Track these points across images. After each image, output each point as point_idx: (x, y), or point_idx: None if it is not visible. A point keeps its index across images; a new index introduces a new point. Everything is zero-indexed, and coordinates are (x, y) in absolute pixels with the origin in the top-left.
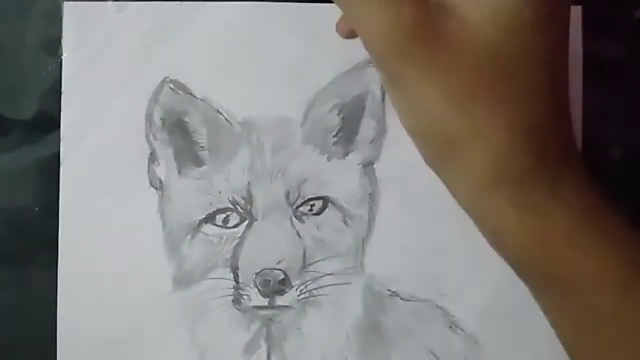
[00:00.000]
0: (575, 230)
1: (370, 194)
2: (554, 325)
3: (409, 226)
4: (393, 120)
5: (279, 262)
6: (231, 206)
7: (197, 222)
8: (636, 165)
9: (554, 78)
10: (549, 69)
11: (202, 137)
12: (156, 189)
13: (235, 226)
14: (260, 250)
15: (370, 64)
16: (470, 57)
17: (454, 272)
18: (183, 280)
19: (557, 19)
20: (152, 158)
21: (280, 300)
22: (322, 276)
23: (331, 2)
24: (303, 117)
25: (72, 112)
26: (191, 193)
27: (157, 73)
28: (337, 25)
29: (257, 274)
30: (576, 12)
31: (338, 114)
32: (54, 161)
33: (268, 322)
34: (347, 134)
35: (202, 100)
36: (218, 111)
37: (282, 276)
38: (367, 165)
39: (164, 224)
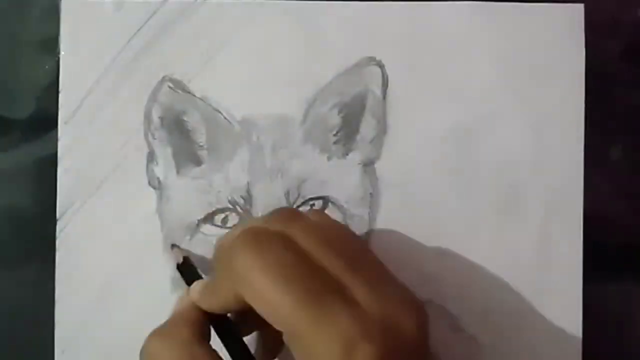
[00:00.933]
0: None
1: (370, 194)
2: None
3: (409, 226)
4: (393, 120)
5: None
6: (230, 206)
7: (196, 222)
8: (636, 165)
9: None
10: None
11: (201, 136)
12: (155, 188)
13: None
14: None
15: (371, 63)
16: None
17: (454, 273)
18: (182, 281)
19: None
20: (151, 157)
21: None
22: None
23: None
24: (303, 116)
25: (70, 111)
26: (190, 193)
27: (155, 72)
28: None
29: None
30: (579, 10)
31: (338, 113)
32: (52, 160)
33: None
34: (347, 133)
35: (201, 99)
36: (217, 110)
37: None
38: (368, 165)
39: (162, 224)
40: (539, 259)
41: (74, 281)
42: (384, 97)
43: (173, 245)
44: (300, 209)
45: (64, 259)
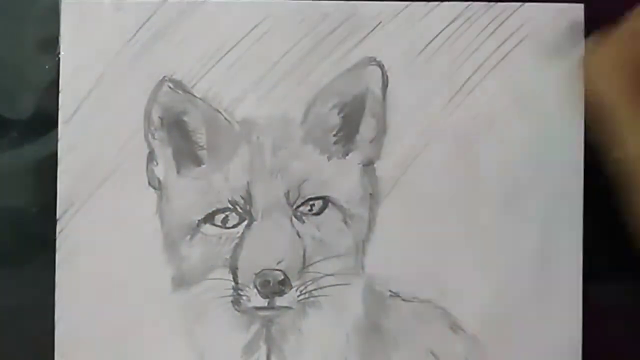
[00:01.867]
0: None
1: (370, 194)
2: None
3: (409, 226)
4: (393, 120)
5: (278, 263)
6: (230, 206)
7: (196, 222)
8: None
9: None
10: None
11: (201, 136)
12: (155, 188)
13: (235, 226)
14: (259, 251)
15: (371, 64)
16: None
17: (454, 272)
18: (182, 281)
19: None
20: (151, 157)
21: (279, 301)
22: (322, 277)
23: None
24: (303, 116)
25: (70, 111)
26: (190, 193)
27: (155, 72)
28: None
29: (256, 274)
30: (578, 10)
31: (338, 114)
32: (52, 160)
33: (268, 323)
34: (347, 133)
35: (201, 99)
36: (217, 110)
37: (282, 277)
38: (368, 165)
39: (162, 224)
40: (539, 259)
41: (74, 281)
42: (384, 98)
43: None
44: (300, 209)
45: (64, 259)
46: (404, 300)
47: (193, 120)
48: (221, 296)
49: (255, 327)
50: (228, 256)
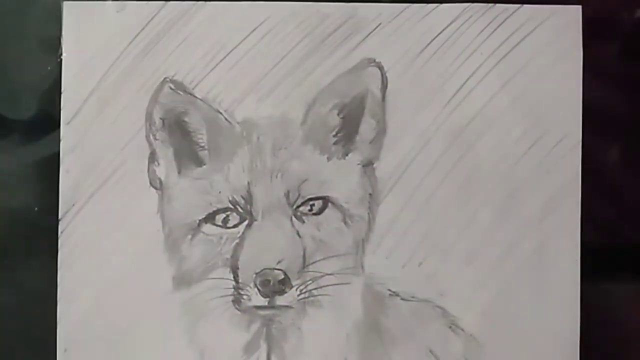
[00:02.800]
0: None
1: (370, 194)
2: None
3: (409, 226)
4: (393, 120)
5: (279, 262)
6: (231, 206)
7: (197, 222)
8: (634, 165)
9: None
10: None
11: (202, 137)
12: (156, 189)
13: (235, 226)
14: (260, 250)
15: (370, 65)
16: None
17: (454, 272)
18: (183, 280)
19: None
20: (152, 158)
21: (280, 300)
22: (322, 276)
23: (332, 0)
24: (303, 117)
25: (72, 111)
26: (191, 193)
27: (157, 73)
28: None
29: (257, 274)
30: (576, 11)
31: (338, 114)
32: (54, 161)
33: (268, 322)
34: (347, 133)
35: (202, 100)
36: (218, 111)
37: (282, 276)
38: (367, 165)
39: (163, 224)
40: (537, 259)
41: (75, 280)
42: (383, 98)
43: None
44: (300, 209)
45: (66, 258)
46: (403, 299)
47: (194, 121)
48: (222, 295)
49: (255, 326)
50: (229, 256)
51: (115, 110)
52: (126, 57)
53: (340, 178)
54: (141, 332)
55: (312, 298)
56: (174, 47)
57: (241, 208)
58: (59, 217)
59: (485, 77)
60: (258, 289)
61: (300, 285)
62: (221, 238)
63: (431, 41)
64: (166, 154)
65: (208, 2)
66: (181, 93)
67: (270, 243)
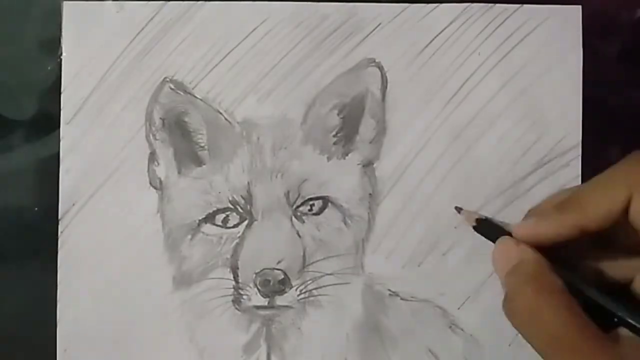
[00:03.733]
0: None
1: (370, 194)
2: None
3: (409, 226)
4: (392, 121)
5: (278, 262)
6: (231, 206)
7: (197, 222)
8: None
9: None
10: None
11: (202, 137)
12: (156, 188)
13: (235, 226)
14: (260, 250)
15: (370, 65)
16: None
17: (454, 272)
18: (183, 280)
19: None
20: (152, 158)
21: (280, 300)
22: (322, 276)
23: (332, 0)
24: (303, 117)
25: (72, 111)
26: (191, 193)
27: (157, 73)
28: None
29: (257, 274)
30: (576, 11)
31: (338, 114)
32: (54, 161)
33: (268, 322)
34: (347, 134)
35: (202, 100)
36: (218, 111)
37: (282, 276)
38: (367, 165)
39: (163, 224)
40: None
41: (75, 280)
42: (383, 98)
43: (458, 208)
44: (300, 209)
45: (66, 258)
46: (403, 299)
47: (194, 120)
48: (222, 295)
49: (255, 326)
50: (229, 256)
51: (115, 110)
52: (126, 57)
53: (340, 178)
54: (141, 332)
55: (312, 298)
56: (174, 47)
57: (241, 208)
58: (59, 217)
59: (485, 77)
60: (258, 289)
61: (300, 285)
62: (221, 238)
63: (431, 41)
64: (166, 154)
65: (208, 2)
66: (181, 93)
67: (270, 243)
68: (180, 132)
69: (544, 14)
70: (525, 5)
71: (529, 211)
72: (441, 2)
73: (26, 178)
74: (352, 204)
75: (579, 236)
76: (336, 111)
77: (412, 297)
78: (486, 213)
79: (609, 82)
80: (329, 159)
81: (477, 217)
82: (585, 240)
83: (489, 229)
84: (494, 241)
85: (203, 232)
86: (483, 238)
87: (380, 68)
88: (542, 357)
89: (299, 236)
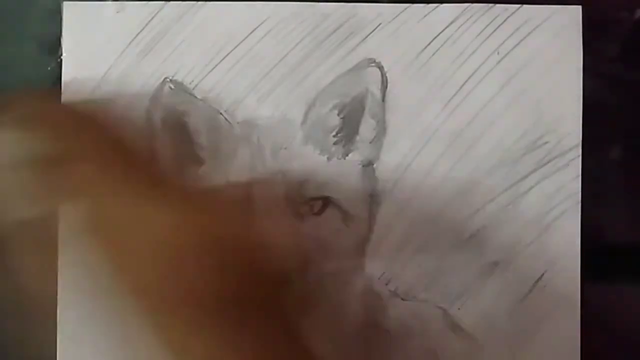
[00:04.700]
0: None
1: (370, 194)
2: None
3: (409, 226)
4: (393, 121)
5: None
6: None
7: None
8: (635, 166)
9: None
10: None
11: (202, 137)
12: None
13: None
14: None
15: (370, 65)
16: None
17: (454, 273)
18: None
19: None
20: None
21: None
22: (322, 276)
23: (332, 0)
24: (303, 117)
25: None
26: None
27: (157, 73)
28: None
29: None
30: (576, 11)
31: (338, 114)
32: None
33: None
34: (347, 134)
35: (202, 100)
36: (218, 111)
37: None
38: (367, 165)
39: None
40: (537, 259)
41: (76, 279)
42: (383, 99)
43: None
44: (300, 209)
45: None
46: (403, 300)
47: (194, 121)
48: None
49: None
50: None
51: (115, 110)
52: (126, 57)
53: (340, 178)
54: None
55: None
56: (174, 47)
57: None
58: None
59: (485, 77)
60: None
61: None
62: None
63: (431, 41)
64: (166, 154)
65: (208, 2)
66: (181, 93)
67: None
68: (180, 132)
69: (544, 14)
70: (525, 6)
71: None
72: (441, 2)
73: None
74: (352, 204)
75: None
76: (336, 111)
77: (412, 297)
78: (485, 213)
79: (609, 82)
80: (329, 159)
81: None
82: None
83: None
84: None
85: None
86: (483, 238)
87: (381, 68)
88: None
89: (299, 236)
